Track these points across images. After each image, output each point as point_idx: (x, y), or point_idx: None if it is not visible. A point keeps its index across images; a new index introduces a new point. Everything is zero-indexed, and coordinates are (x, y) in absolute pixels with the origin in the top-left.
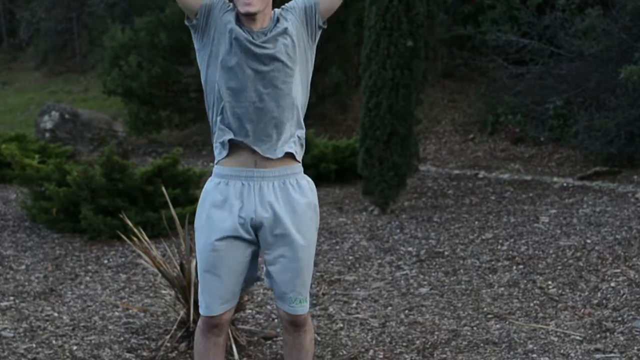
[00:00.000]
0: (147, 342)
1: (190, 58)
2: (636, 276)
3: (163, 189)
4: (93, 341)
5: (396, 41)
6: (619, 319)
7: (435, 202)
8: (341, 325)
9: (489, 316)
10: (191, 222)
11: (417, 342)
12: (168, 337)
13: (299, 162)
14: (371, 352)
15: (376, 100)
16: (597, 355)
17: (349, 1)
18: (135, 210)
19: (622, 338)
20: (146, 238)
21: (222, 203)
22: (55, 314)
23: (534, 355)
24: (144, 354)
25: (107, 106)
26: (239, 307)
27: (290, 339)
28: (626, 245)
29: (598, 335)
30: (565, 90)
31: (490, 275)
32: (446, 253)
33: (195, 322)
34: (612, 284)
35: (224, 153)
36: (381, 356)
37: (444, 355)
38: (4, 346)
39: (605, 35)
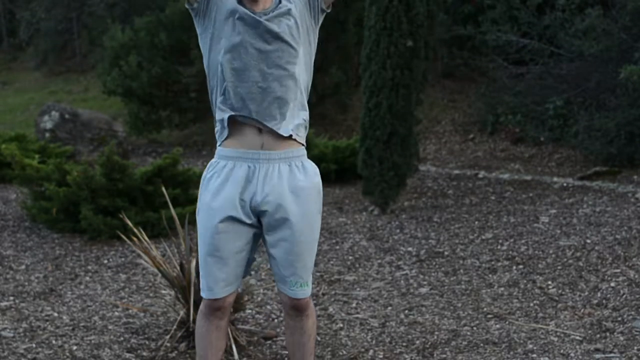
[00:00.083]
0: (147, 342)
1: (191, 58)
2: (636, 276)
3: (163, 189)
4: (93, 341)
5: (396, 41)
6: (619, 319)
7: (435, 202)
8: (341, 325)
9: (489, 316)
10: (191, 222)
11: (417, 342)
12: (168, 337)
13: (304, 145)
14: (371, 352)
15: (376, 100)
16: (597, 355)
17: (349, 1)
18: (135, 210)
19: (622, 338)
20: (146, 238)
21: (225, 185)
22: (55, 314)
23: (534, 355)
24: (144, 354)
25: (107, 106)
26: (239, 307)
27: (292, 323)
28: (626, 245)
29: (598, 335)
30: (565, 90)
31: (490, 275)
32: (446, 253)
33: (195, 322)
34: (612, 284)
35: (225, 133)
36: (381, 356)
37: (444, 355)
38: (3, 346)
39: (605, 35)
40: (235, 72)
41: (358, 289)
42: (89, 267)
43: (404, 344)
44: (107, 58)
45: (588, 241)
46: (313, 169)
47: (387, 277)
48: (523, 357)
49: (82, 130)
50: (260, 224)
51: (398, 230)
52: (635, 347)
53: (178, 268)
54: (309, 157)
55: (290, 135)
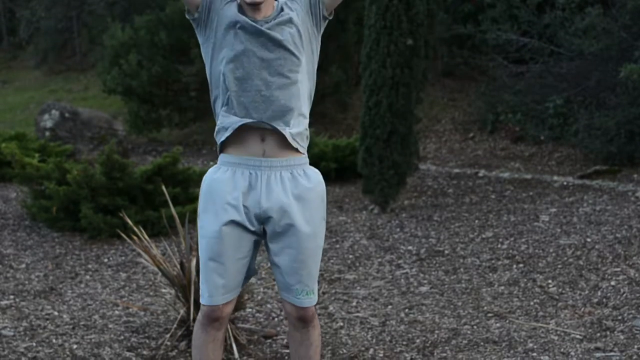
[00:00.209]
0: (147, 341)
1: (191, 57)
2: (636, 275)
3: (163, 187)
4: (93, 340)
5: (396, 40)
6: (619, 317)
7: (435, 200)
8: (341, 324)
9: (489, 315)
10: (191, 221)
11: (418, 340)
12: (168, 335)
13: (305, 154)
14: (371, 350)
15: (376, 98)
16: (597, 354)
17: (349, 0)
18: (135, 209)
19: (622, 337)
20: (146, 237)
21: (228, 191)
22: (56, 313)
23: (534, 354)
24: (144, 352)
25: (107, 105)
26: (239, 306)
27: (297, 335)
28: (626, 244)
29: (598, 334)
30: (565, 89)
31: (491, 274)
32: (446, 252)
33: (195, 320)
34: (612, 283)
35: (228, 139)
36: (381, 355)
37: (444, 354)
38: (4, 345)
39: (605, 34)
40: (237, 81)
41: (358, 287)
42: (89, 266)
43: (404, 342)
44: (107, 57)
45: (588, 240)
46: (316, 175)
47: (388, 276)
48: (523, 355)
49: (82, 129)
50: (263, 231)
51: (398, 229)
52: (636, 346)
53: (178, 267)
54: (309, 156)
55: (292, 144)
